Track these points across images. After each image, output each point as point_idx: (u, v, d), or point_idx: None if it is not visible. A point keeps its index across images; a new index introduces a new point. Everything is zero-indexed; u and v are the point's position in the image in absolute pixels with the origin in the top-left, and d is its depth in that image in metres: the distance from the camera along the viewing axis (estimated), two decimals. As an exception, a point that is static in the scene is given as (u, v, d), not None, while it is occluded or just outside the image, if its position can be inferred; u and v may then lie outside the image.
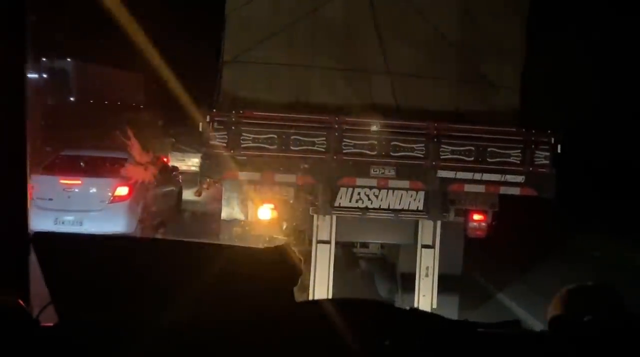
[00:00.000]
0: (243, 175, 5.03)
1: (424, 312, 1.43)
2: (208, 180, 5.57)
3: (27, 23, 1.42)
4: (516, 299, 7.11)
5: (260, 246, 1.40)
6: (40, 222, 7.26)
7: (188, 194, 10.99)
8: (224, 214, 6.16)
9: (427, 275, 5.34)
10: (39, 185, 7.84)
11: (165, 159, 11.61)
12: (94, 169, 8.57)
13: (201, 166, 5.20)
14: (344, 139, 5.00)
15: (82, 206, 8.08)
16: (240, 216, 6.15)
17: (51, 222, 7.63)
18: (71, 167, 8.50)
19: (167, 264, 1.26)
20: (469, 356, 1.28)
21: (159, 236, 8.66)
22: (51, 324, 1.30)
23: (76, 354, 1.23)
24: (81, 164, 8.67)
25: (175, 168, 11.86)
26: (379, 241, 6.27)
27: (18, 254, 1.39)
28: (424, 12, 5.30)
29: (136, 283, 1.26)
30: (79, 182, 8.27)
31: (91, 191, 8.32)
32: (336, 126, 4.98)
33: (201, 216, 9.66)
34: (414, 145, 5.03)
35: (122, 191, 8.28)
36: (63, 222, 7.88)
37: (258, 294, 1.25)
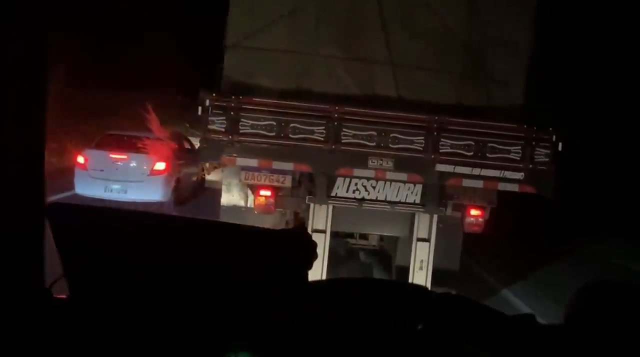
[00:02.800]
0: (241, 161, 5.03)
1: (458, 297, 1.41)
2: (207, 165, 5.61)
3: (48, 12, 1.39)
4: (519, 296, 7.08)
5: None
6: (93, 189, 9.12)
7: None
8: (223, 200, 6.20)
9: (421, 268, 5.32)
10: (92, 158, 9.47)
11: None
12: (137, 146, 9.80)
13: (200, 151, 5.21)
14: (343, 129, 4.97)
15: (127, 177, 9.47)
16: (240, 202, 6.18)
17: (102, 190, 9.23)
18: (118, 144, 9.85)
19: (183, 242, 1.23)
20: (496, 342, 1.26)
21: (185, 208, 9.85)
22: (63, 297, 1.29)
23: (84, 328, 1.23)
24: (126, 142, 9.94)
25: None
26: (375, 232, 6.26)
27: (34, 223, 1.36)
28: (430, 4, 5.23)
29: (149, 258, 1.23)
30: (125, 157, 9.62)
31: (135, 165, 9.68)
32: (335, 116, 4.95)
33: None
34: (413, 138, 4.99)
35: (160, 165, 9.69)
36: (111, 190, 9.34)
37: (273, 274, 1.23)
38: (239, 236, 1.28)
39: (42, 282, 1.35)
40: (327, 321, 1.23)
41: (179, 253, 1.23)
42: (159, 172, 9.69)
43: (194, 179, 10.69)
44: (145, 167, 9.67)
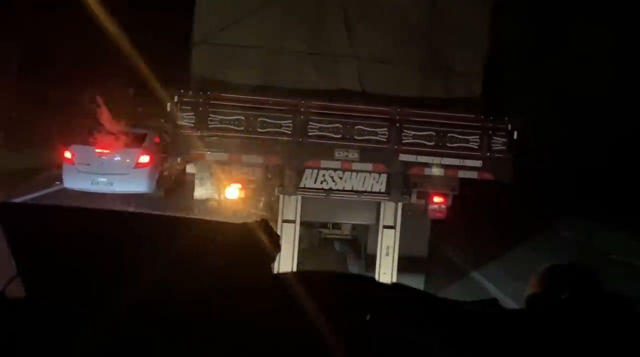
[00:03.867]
0: (210, 156, 5.17)
1: (407, 287, 1.40)
2: (179, 159, 5.74)
3: None
4: (491, 279, 7.29)
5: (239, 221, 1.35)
6: (80, 182, 9.57)
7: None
8: (196, 194, 6.30)
9: (387, 254, 5.53)
10: (79, 153, 9.84)
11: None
12: (122, 141, 10.24)
13: (171, 146, 5.34)
14: (310, 123, 5.13)
15: (112, 170, 9.90)
16: (213, 196, 6.32)
17: (89, 183, 9.63)
18: (103, 140, 10.13)
19: (139, 237, 1.22)
20: (450, 331, 1.24)
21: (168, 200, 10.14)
22: (18, 298, 1.26)
23: (42, 329, 1.18)
24: (110, 137, 10.22)
25: None
26: (343, 221, 6.46)
27: None
28: None
29: (105, 256, 1.21)
30: (110, 151, 9.98)
31: (119, 158, 10.08)
32: (302, 110, 5.10)
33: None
34: (377, 130, 5.17)
35: (144, 159, 10.11)
36: (98, 183, 9.73)
37: (235, 268, 1.22)
38: (200, 230, 1.28)
39: None
40: (284, 313, 1.21)
41: (137, 248, 1.22)
42: (144, 165, 10.09)
43: (165, 173, 11.06)
44: (129, 161, 10.06)
